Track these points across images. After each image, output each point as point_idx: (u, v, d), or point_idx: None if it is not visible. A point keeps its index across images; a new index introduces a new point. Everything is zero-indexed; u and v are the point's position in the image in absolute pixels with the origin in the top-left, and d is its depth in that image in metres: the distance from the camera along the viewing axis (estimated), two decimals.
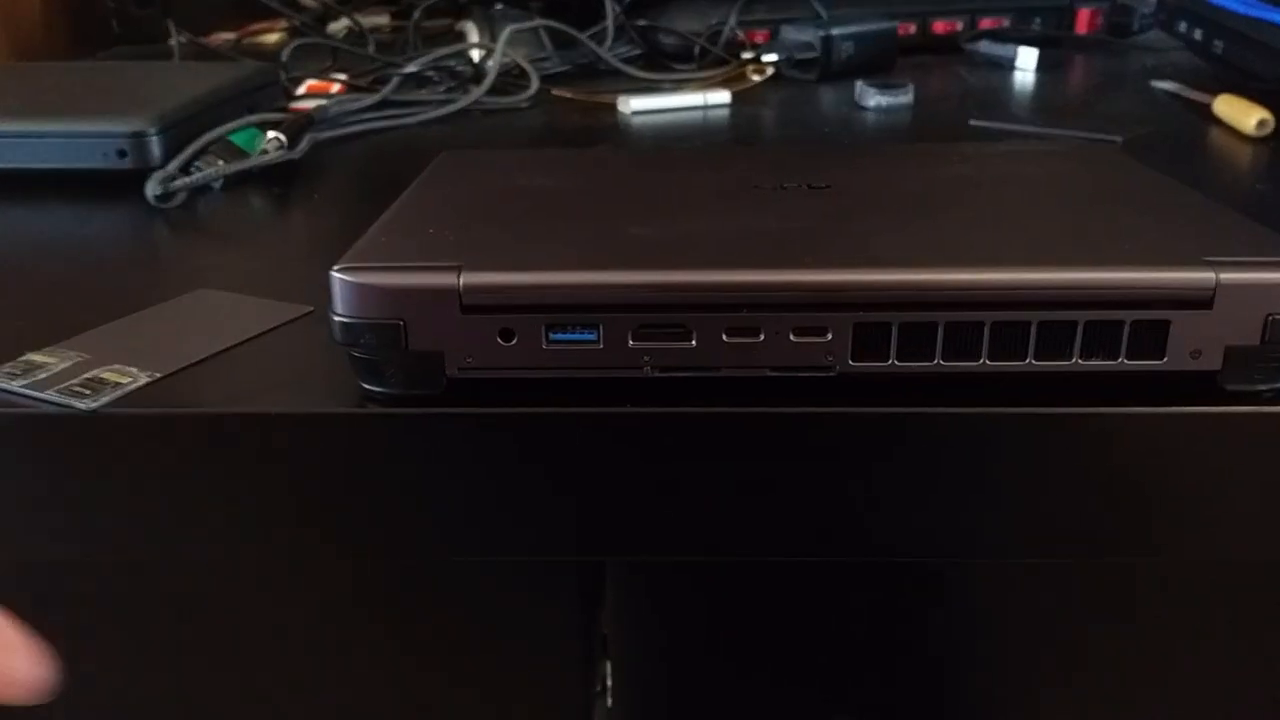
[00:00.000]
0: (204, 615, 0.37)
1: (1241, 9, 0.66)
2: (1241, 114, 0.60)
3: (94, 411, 0.30)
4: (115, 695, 0.39)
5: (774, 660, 0.38)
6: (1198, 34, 0.71)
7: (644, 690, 0.39)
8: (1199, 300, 0.29)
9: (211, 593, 0.37)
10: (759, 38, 0.83)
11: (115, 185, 0.51)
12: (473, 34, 0.82)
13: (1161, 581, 0.36)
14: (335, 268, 0.29)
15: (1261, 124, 0.59)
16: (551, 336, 0.30)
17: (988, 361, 0.30)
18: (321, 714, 0.39)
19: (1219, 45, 0.69)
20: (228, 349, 0.33)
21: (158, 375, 0.31)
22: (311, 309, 0.35)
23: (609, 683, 0.39)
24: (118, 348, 0.33)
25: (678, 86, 0.74)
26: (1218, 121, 0.63)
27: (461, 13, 0.88)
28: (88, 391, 0.30)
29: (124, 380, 0.30)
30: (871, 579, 0.36)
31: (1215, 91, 0.65)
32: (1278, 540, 0.31)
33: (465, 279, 0.29)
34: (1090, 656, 0.37)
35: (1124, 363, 0.30)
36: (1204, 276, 0.29)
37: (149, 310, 0.36)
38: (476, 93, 0.69)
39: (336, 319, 0.29)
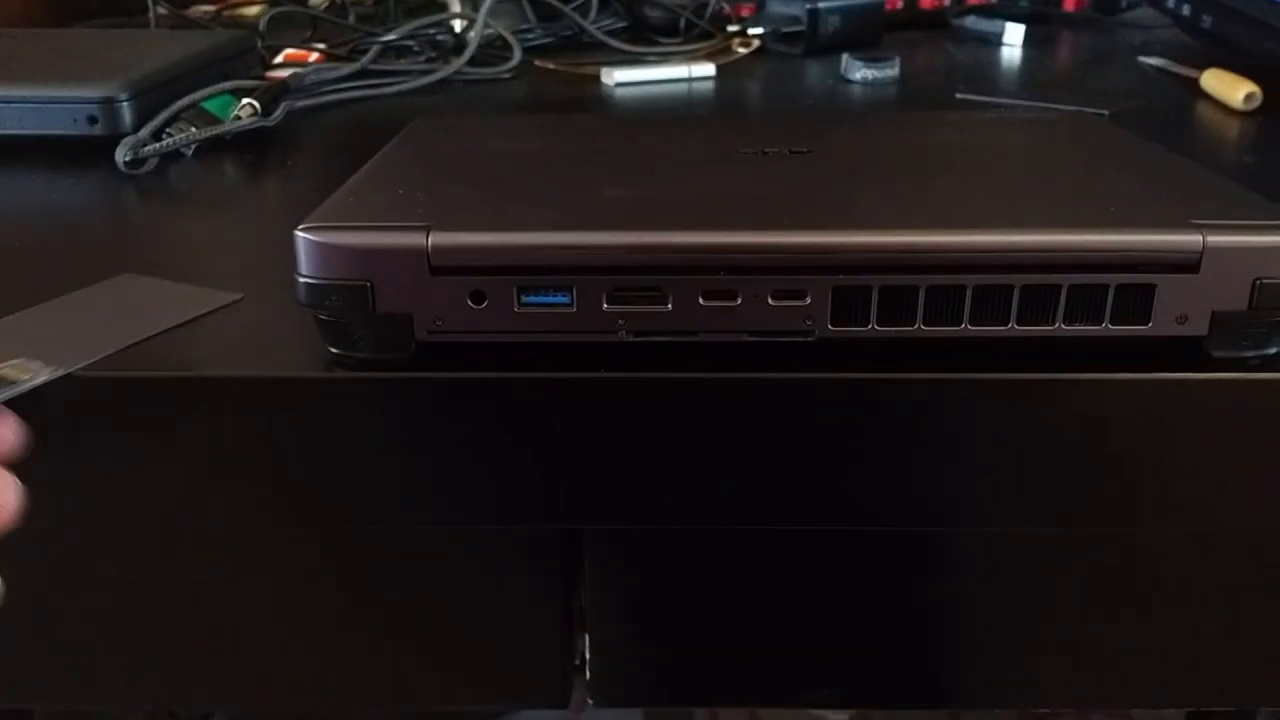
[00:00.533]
0: (169, 585, 0.37)
1: None
2: (1229, 88, 0.60)
3: None
4: (78, 666, 0.38)
5: (755, 631, 0.37)
6: (1185, 9, 0.71)
7: (623, 663, 0.38)
8: (1185, 263, 0.29)
9: (176, 563, 0.36)
10: (745, 11, 0.82)
11: (86, 152, 0.50)
12: (455, 4, 0.81)
13: (1145, 550, 0.35)
14: (300, 227, 0.28)
15: (1249, 97, 0.59)
16: (523, 299, 0.29)
17: (969, 326, 0.29)
18: (291, 685, 0.38)
19: (1207, 20, 0.68)
20: (143, 340, 0.31)
21: (60, 372, 0.29)
22: (240, 296, 0.34)
23: (587, 656, 0.38)
24: (26, 338, 0.31)
25: (662, 59, 0.73)
26: (1205, 96, 0.62)
27: None
28: None
29: (23, 377, 0.28)
30: (853, 547, 0.36)
31: (1203, 67, 0.64)
32: (1263, 509, 0.31)
33: (434, 239, 0.28)
34: (1076, 625, 0.36)
35: (1108, 328, 0.29)
36: (1190, 239, 0.28)
37: (68, 297, 0.34)
38: (457, 63, 0.68)
39: (302, 280, 0.29)
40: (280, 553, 0.36)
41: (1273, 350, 0.30)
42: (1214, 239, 0.28)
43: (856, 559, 0.36)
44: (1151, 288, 0.29)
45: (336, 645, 0.37)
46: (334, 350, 0.30)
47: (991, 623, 0.37)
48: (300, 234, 0.28)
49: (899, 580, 0.36)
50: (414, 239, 0.28)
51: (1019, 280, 0.28)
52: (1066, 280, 0.28)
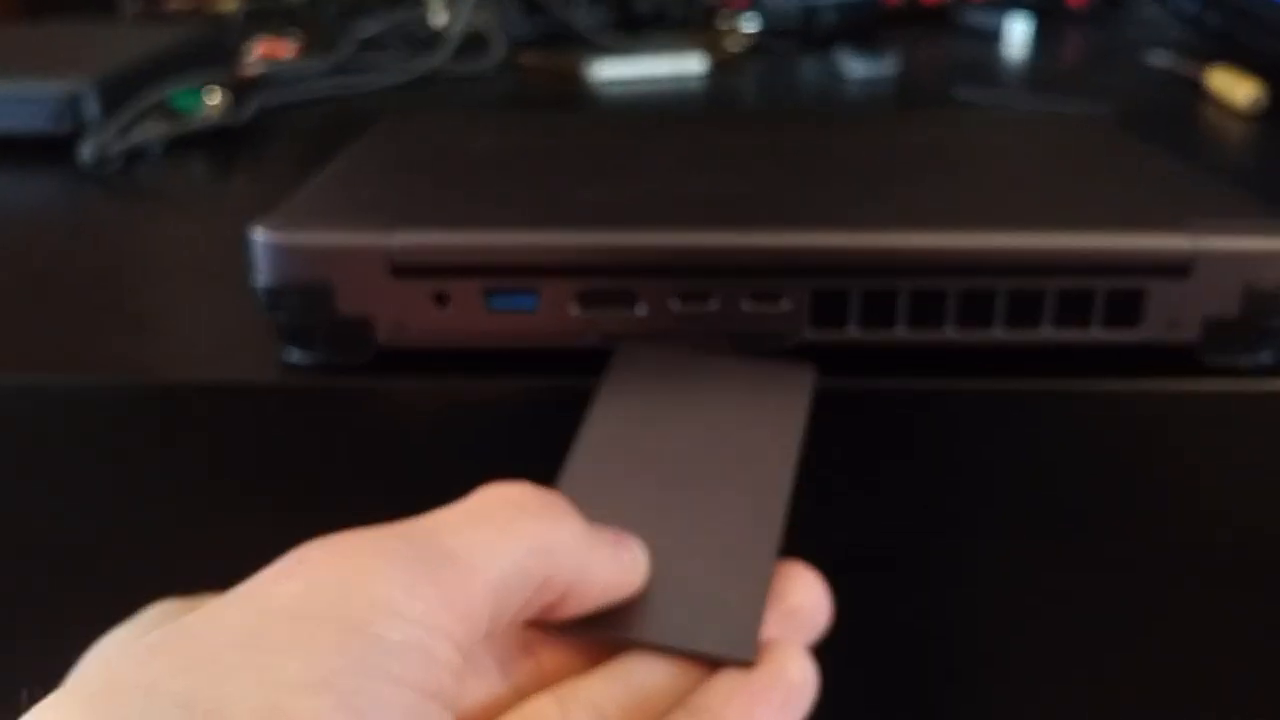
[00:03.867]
0: (124, 593, 0.35)
1: None
2: (1233, 87, 0.59)
3: None
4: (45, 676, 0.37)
5: None
6: (1191, 6, 0.70)
7: None
8: (1175, 267, 0.28)
9: (127, 571, 0.35)
10: (738, 4, 0.81)
11: (50, 149, 0.48)
12: None
13: (1137, 558, 0.34)
14: (256, 227, 0.27)
15: (1253, 97, 0.58)
16: (490, 303, 0.28)
17: (953, 331, 0.28)
18: None
19: (1213, 17, 0.67)
20: None
21: None
22: None
23: None
24: None
25: (650, 55, 0.72)
26: (1209, 95, 0.61)
27: None
28: None
29: None
30: (829, 560, 0.35)
31: (1208, 64, 0.63)
32: (1257, 518, 0.30)
33: (396, 238, 0.27)
34: (1065, 640, 0.35)
35: (1097, 333, 0.28)
36: (1180, 242, 0.27)
37: None
38: (436, 59, 0.67)
39: (259, 282, 0.27)
40: (229, 563, 0.35)
41: (1266, 358, 0.29)
42: (1205, 242, 0.27)
43: (834, 574, 0.35)
44: (1141, 292, 0.28)
45: None
46: (293, 355, 0.29)
47: (975, 638, 0.36)
48: (257, 234, 0.27)
49: (881, 598, 0.35)
50: (375, 238, 0.27)
51: (1004, 284, 0.27)
52: (1053, 284, 0.27)
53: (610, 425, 0.26)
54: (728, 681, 0.21)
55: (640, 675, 0.21)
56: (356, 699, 0.16)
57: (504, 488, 0.21)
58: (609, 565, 0.21)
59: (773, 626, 0.22)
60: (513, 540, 0.20)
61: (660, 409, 0.26)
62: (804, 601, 0.23)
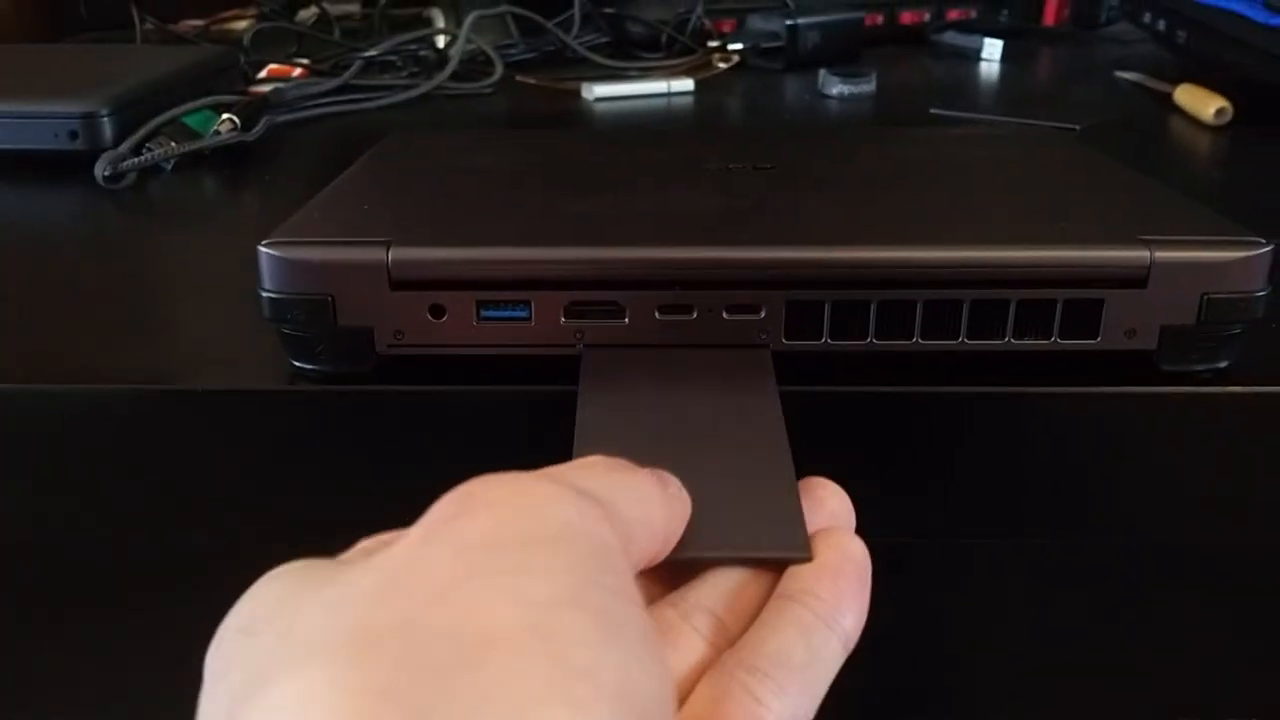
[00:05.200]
0: (130, 598, 0.37)
1: None
2: (1201, 102, 0.61)
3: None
4: (48, 684, 0.38)
5: None
6: (1161, 25, 0.71)
7: None
8: (1133, 279, 0.29)
9: (137, 575, 0.36)
10: (726, 27, 0.83)
11: (66, 167, 0.50)
12: (439, 20, 0.82)
13: (1093, 561, 0.36)
14: (263, 243, 0.29)
15: (1220, 112, 0.59)
16: (483, 313, 0.29)
17: (920, 340, 0.29)
18: None
19: (1182, 35, 0.69)
20: None
21: None
22: None
23: None
24: None
25: (643, 74, 0.74)
26: (1178, 110, 0.63)
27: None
28: None
29: None
30: None
31: (1177, 81, 0.65)
32: (1213, 521, 0.31)
33: (394, 254, 0.28)
34: (1032, 638, 0.37)
35: (1057, 342, 0.30)
36: (1137, 255, 0.29)
37: None
38: (439, 78, 0.69)
39: (265, 295, 0.29)
40: (235, 566, 0.36)
41: (1223, 364, 0.31)
42: (1162, 254, 0.29)
43: None
44: (1100, 302, 0.29)
45: None
46: (296, 363, 0.30)
47: (951, 637, 0.37)
48: (263, 249, 0.29)
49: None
50: (374, 254, 0.28)
51: (969, 295, 0.29)
52: (1015, 295, 0.29)
53: (602, 412, 0.27)
54: (806, 570, 0.22)
55: (726, 579, 0.23)
56: (606, 616, 0.16)
57: (591, 458, 0.22)
58: (661, 498, 0.22)
59: (816, 524, 0.24)
60: (628, 486, 0.21)
61: (644, 393, 0.28)
62: (833, 502, 0.25)
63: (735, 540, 0.23)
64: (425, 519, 0.18)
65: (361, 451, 0.30)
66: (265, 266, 0.29)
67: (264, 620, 0.17)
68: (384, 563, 0.17)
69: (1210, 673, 0.37)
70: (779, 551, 0.23)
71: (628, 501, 0.20)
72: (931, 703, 0.38)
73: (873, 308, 0.29)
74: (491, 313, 0.29)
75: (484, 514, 0.18)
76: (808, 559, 0.23)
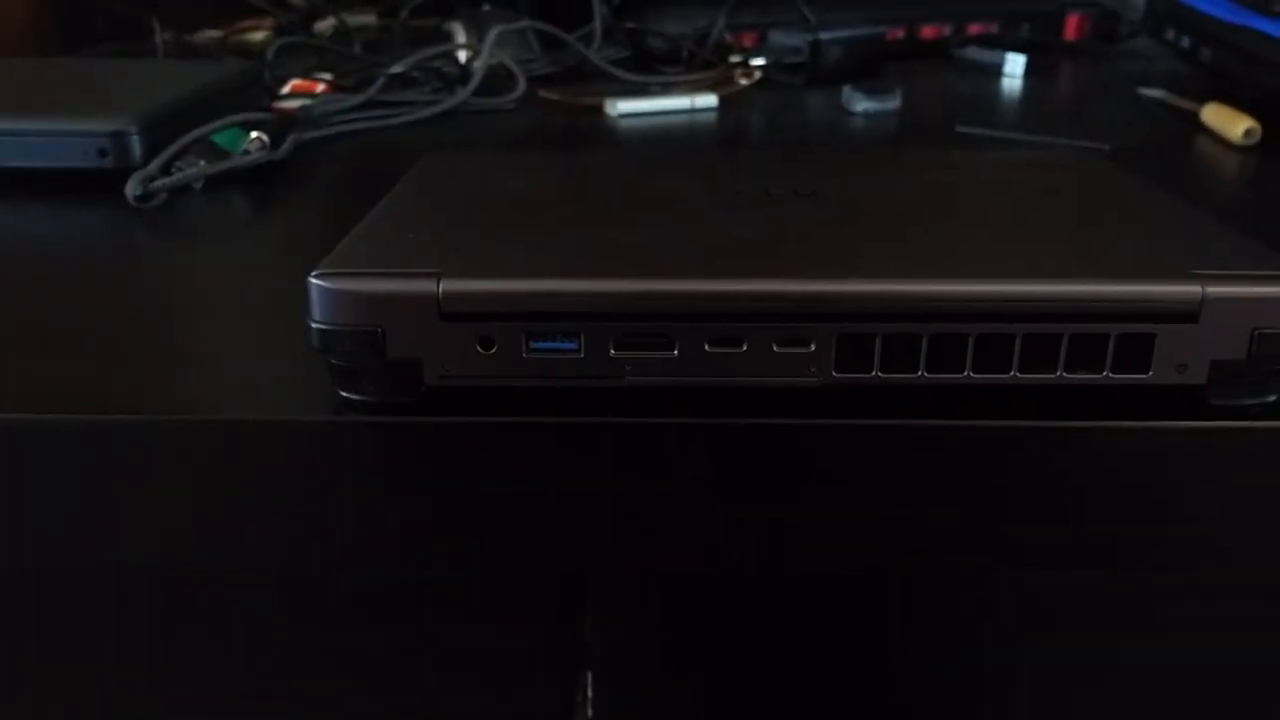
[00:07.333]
0: (174, 625, 0.37)
1: (1227, 17, 0.66)
2: (1228, 122, 0.60)
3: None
4: (97, 706, 0.38)
5: (756, 671, 0.37)
6: (1185, 41, 0.71)
7: (624, 699, 0.38)
8: (1185, 314, 0.29)
9: (183, 603, 0.36)
10: (747, 41, 0.83)
11: (96, 185, 0.50)
12: (459, 34, 0.82)
13: (1147, 597, 0.36)
14: (313, 274, 0.29)
15: (1249, 133, 0.59)
16: (532, 345, 0.29)
17: (972, 374, 0.29)
18: None
19: (1206, 53, 0.69)
20: None
21: None
22: None
23: (589, 692, 0.38)
24: None
25: (665, 89, 0.74)
26: (1205, 129, 0.63)
27: (448, 12, 0.88)
28: None
29: None
30: (855, 590, 0.36)
31: (1203, 99, 0.65)
32: (1263, 558, 0.31)
33: (444, 286, 0.28)
34: (1074, 674, 0.37)
35: (1109, 376, 0.29)
36: (1190, 290, 0.29)
37: None
38: (463, 94, 0.69)
39: (315, 326, 0.29)
40: (278, 596, 0.36)
41: (1272, 398, 0.30)
42: (1213, 289, 0.29)
43: (859, 601, 0.36)
44: (1151, 337, 0.29)
45: (335, 684, 0.38)
46: (343, 394, 0.30)
47: (994, 668, 0.37)
48: (314, 280, 0.29)
49: (903, 623, 0.36)
50: (425, 286, 0.28)
51: (1021, 329, 0.29)
52: (1068, 329, 0.29)
53: None
54: None
55: None
56: None
57: None
58: None
59: None
60: None
61: None
62: None
63: None
64: None
65: (408, 484, 0.30)
66: (315, 298, 0.29)
67: None
68: None
69: (1251, 704, 0.37)
70: None
71: None
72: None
73: (925, 341, 0.29)
74: (541, 345, 0.29)
75: None
76: None
